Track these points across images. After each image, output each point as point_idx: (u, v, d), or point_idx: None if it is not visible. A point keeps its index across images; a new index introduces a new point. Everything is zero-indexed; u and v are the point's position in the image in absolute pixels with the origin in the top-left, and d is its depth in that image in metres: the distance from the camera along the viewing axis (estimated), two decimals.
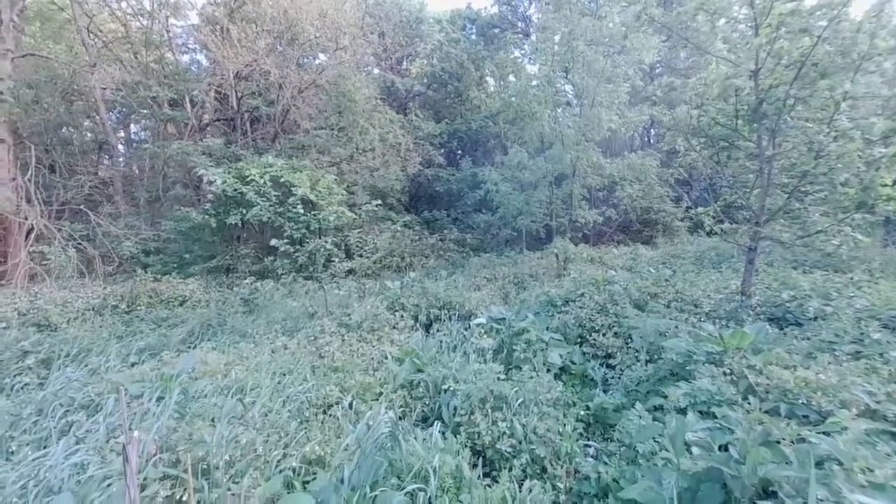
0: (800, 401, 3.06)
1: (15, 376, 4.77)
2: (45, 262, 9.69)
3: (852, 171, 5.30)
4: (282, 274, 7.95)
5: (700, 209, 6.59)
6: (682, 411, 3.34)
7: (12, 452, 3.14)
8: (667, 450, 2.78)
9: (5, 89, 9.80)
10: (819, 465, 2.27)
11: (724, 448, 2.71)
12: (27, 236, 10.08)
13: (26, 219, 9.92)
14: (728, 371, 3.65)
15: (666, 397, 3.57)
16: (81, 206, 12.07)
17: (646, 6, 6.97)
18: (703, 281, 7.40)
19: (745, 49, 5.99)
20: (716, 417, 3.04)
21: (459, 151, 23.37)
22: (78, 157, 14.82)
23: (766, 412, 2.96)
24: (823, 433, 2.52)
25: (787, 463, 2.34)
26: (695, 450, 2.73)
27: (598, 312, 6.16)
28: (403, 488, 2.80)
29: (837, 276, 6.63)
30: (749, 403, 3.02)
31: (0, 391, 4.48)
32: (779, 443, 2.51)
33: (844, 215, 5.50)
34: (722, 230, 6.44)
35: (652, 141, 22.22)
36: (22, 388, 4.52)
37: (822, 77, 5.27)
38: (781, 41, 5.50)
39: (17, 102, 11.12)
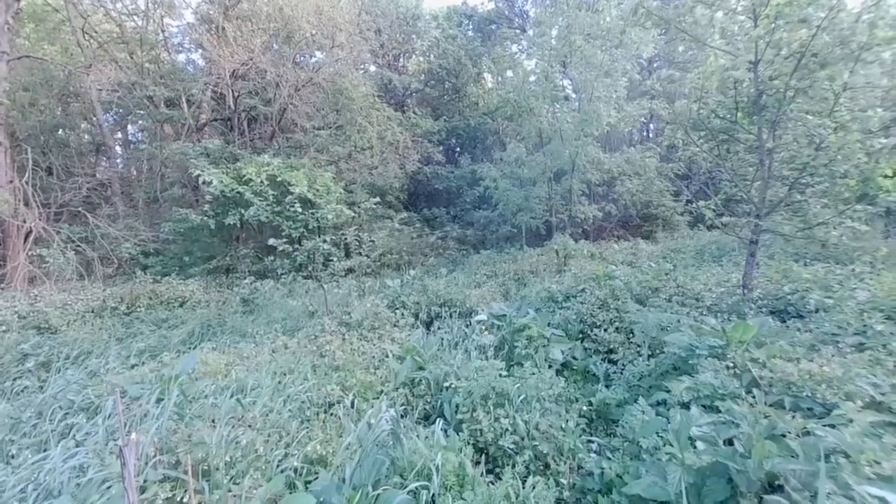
0: (804, 393, 3.04)
1: (15, 379, 4.76)
2: (44, 265, 9.65)
3: (853, 163, 5.27)
4: (281, 273, 7.93)
5: (701, 203, 6.57)
6: (686, 406, 3.32)
7: (12, 456, 3.13)
8: (671, 445, 2.76)
9: (1, 92, 9.74)
10: (825, 458, 2.25)
11: (728, 442, 2.69)
12: (26, 239, 10.05)
13: (24, 221, 9.88)
14: (731, 365, 3.63)
15: (669, 392, 3.56)
16: (80, 209, 12.03)
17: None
18: (704, 275, 7.38)
19: (744, 40, 5.95)
20: (720, 411, 3.02)
21: (458, 148, 23.30)
22: (75, 159, 14.75)
23: (771, 405, 2.94)
24: (829, 426, 2.50)
25: (793, 456, 2.32)
26: (699, 444, 2.71)
27: (600, 308, 6.14)
28: (406, 486, 2.78)
29: (839, 268, 6.60)
30: (753, 397, 3.00)
31: (0, 394, 4.46)
32: (784, 436, 2.49)
33: (845, 207, 5.47)
34: (722, 223, 6.42)
35: (651, 135, 22.16)
36: (22, 391, 4.52)
37: (822, 68, 5.23)
38: (780, 32, 5.46)
39: (14, 105, 11.07)
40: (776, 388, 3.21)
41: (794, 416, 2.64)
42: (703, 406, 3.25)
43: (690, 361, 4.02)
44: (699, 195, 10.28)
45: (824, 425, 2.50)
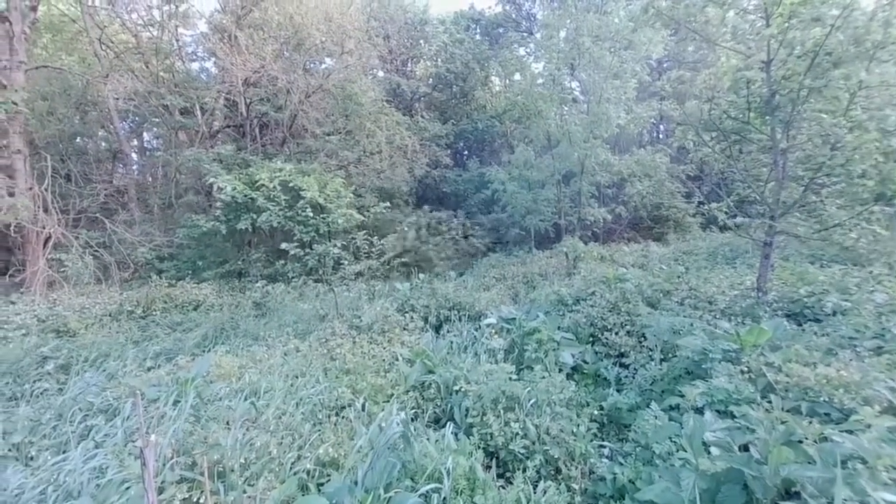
0: (821, 398, 2.99)
1: (35, 382, 4.86)
2: (62, 270, 9.89)
3: (869, 163, 5.17)
4: (292, 277, 8.01)
5: (713, 204, 6.49)
6: (700, 411, 3.28)
7: (32, 458, 3.20)
8: (684, 450, 2.74)
9: (20, 101, 10.01)
10: (842, 464, 2.22)
11: (744, 448, 2.66)
12: (45, 244, 10.30)
13: (44, 227, 10.13)
14: (746, 369, 3.58)
15: (682, 396, 3.52)
16: (97, 214, 12.30)
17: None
18: (717, 277, 7.28)
19: (757, 40, 5.89)
20: (734, 417, 2.98)
21: (466, 152, 23.37)
22: (93, 166, 15.11)
23: (787, 411, 2.89)
24: (847, 431, 2.45)
25: (809, 462, 2.28)
26: (714, 450, 2.68)
27: (610, 311, 6.09)
28: (417, 489, 2.80)
29: (856, 271, 6.47)
30: (769, 402, 2.95)
31: (20, 397, 4.57)
32: (801, 442, 2.45)
33: (862, 208, 5.37)
34: (735, 225, 6.33)
35: (661, 136, 21.95)
36: (42, 393, 4.62)
37: (836, 67, 5.15)
38: (794, 31, 5.39)
39: (32, 113, 11.37)
40: (792, 393, 3.16)
41: (810, 422, 2.59)
42: (718, 411, 3.21)
43: (704, 366, 3.98)
44: (711, 196, 10.16)
45: (842, 431, 2.45)
